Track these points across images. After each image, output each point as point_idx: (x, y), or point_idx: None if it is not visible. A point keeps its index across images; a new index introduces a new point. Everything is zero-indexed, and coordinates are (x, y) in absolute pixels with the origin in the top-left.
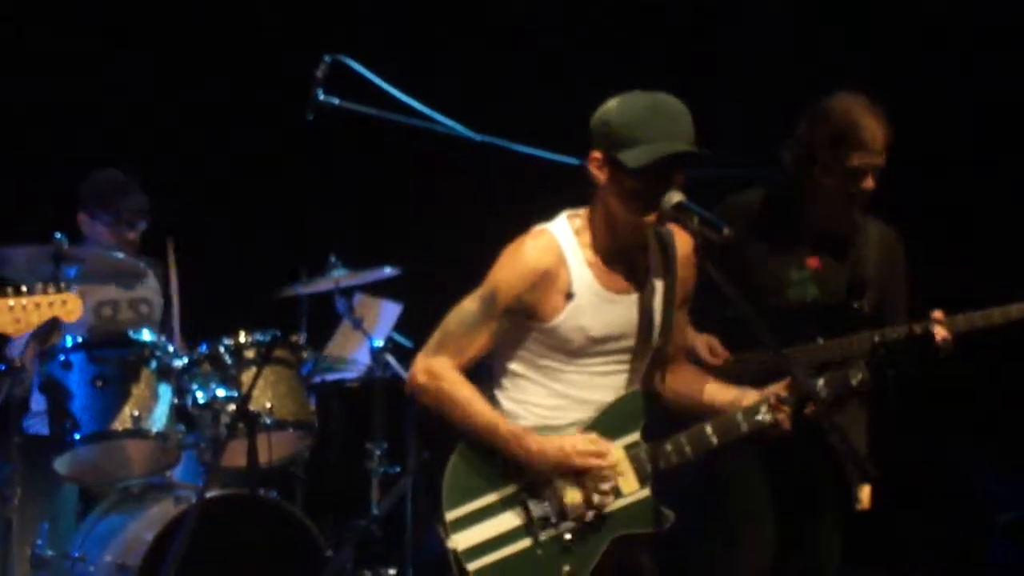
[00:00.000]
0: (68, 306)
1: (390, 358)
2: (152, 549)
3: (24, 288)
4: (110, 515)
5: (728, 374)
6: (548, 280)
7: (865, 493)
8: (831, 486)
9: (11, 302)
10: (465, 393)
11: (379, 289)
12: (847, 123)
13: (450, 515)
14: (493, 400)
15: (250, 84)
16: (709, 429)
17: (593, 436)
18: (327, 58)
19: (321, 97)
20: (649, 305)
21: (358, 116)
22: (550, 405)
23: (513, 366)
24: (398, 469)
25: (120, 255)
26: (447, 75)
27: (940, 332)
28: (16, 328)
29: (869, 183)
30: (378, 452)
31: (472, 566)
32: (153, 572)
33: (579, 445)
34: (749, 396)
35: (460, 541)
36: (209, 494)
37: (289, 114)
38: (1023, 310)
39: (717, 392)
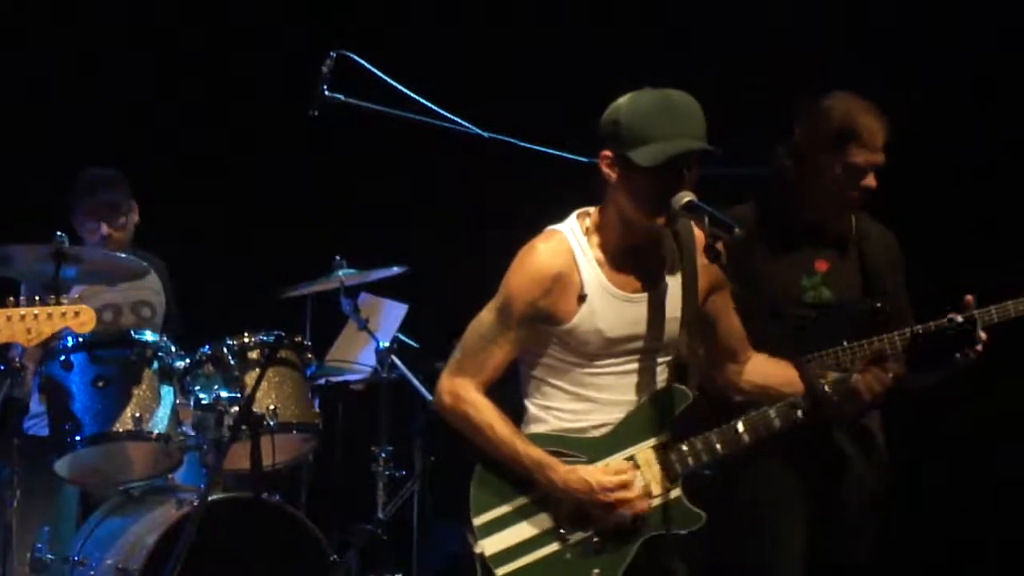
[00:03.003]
0: (81, 318)
1: (396, 359)
2: (154, 553)
3: (37, 298)
4: (111, 518)
5: None
6: (561, 283)
7: (882, 496)
8: (856, 487)
9: (23, 312)
10: (487, 419)
11: (386, 289)
12: (848, 121)
13: (478, 520)
14: (522, 406)
15: (253, 80)
16: (741, 427)
17: (618, 465)
18: (332, 54)
19: (326, 93)
20: (670, 300)
21: (363, 112)
22: (575, 409)
23: (536, 372)
24: (404, 472)
25: (121, 255)
26: (453, 70)
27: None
28: (27, 339)
29: (871, 181)
30: (383, 455)
31: (500, 571)
32: None
33: (604, 480)
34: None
35: (488, 546)
36: (212, 497)
37: (293, 111)
38: None
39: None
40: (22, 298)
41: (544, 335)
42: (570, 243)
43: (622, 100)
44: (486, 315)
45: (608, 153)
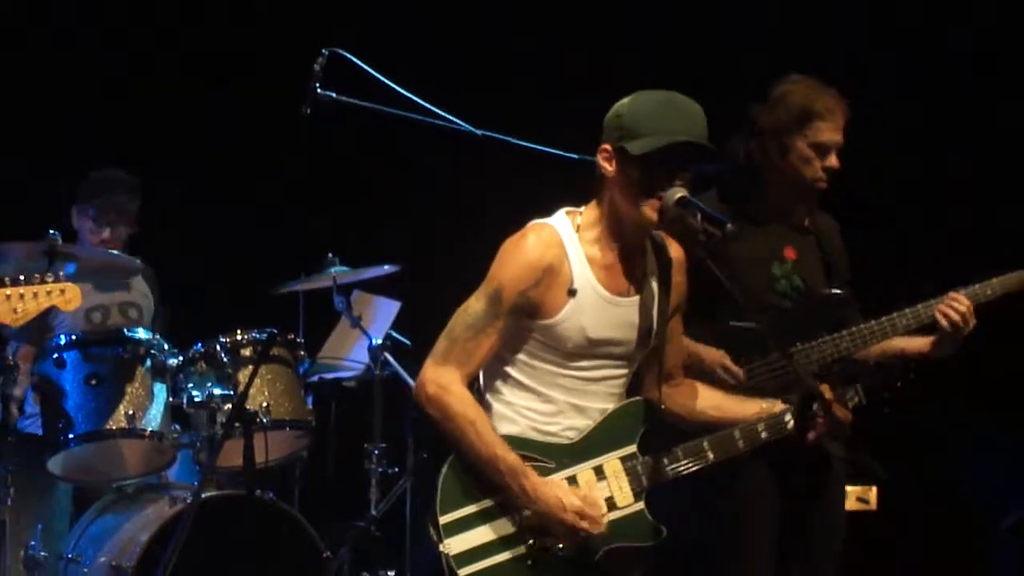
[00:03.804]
0: (66, 295)
1: (389, 356)
2: (147, 550)
3: (22, 277)
4: (104, 516)
5: (745, 386)
6: (552, 275)
7: (872, 495)
8: (836, 486)
9: (8, 291)
10: (471, 416)
11: (378, 286)
12: (809, 100)
13: (444, 519)
14: (482, 402)
15: (246, 78)
16: (706, 444)
17: (592, 497)
18: (325, 52)
19: (318, 91)
20: (646, 310)
21: (356, 110)
22: (542, 411)
23: (506, 368)
24: (396, 469)
25: (114, 252)
26: (446, 68)
27: (962, 304)
28: (14, 318)
29: (834, 161)
30: (376, 452)
31: (464, 571)
32: (148, 573)
33: (576, 504)
34: (777, 407)
35: (453, 545)
36: (205, 494)
37: (286, 109)
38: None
39: (735, 406)
40: (7, 279)
41: (525, 329)
42: (561, 237)
43: (626, 98)
44: (475, 303)
45: (607, 146)
